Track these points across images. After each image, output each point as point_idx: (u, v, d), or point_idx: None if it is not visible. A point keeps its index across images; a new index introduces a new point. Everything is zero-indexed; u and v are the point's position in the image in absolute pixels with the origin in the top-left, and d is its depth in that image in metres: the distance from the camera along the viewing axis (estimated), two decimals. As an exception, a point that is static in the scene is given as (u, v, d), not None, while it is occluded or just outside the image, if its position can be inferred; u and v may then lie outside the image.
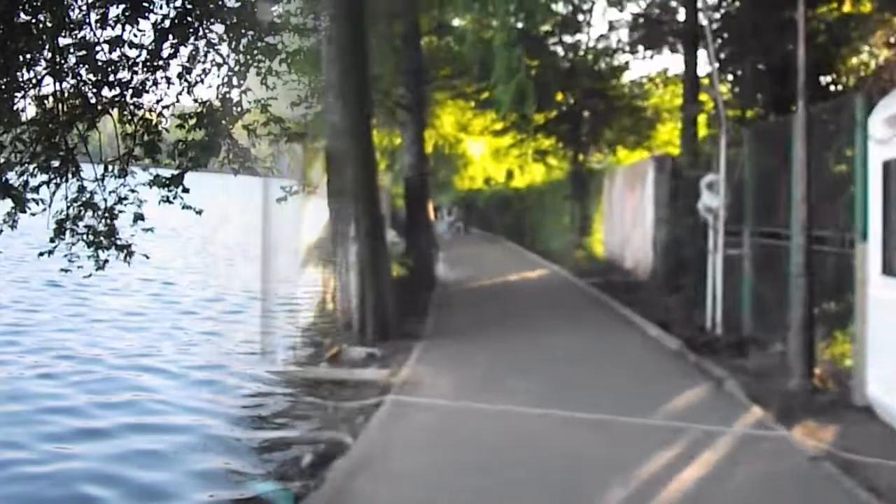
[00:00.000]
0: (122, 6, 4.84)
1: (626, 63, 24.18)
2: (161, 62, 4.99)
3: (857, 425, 5.74)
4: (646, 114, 25.41)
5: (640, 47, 19.84)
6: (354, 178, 8.76)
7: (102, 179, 5.26)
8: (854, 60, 12.25)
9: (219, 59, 5.05)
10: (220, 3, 4.93)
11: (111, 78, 4.95)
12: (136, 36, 4.93)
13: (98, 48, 4.91)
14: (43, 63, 4.92)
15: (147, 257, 5.74)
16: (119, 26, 4.87)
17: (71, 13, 4.91)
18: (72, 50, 4.92)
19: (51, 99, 5.03)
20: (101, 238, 5.27)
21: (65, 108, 5.07)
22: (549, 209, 27.84)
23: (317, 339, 9.55)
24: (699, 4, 13.85)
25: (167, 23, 4.91)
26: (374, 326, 8.79)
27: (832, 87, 12.04)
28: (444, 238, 35.84)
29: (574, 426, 5.90)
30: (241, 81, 5.07)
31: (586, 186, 22.99)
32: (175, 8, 4.93)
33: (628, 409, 6.29)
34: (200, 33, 4.97)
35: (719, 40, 13.55)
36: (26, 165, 5.02)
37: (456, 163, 36.58)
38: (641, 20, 19.50)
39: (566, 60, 23.90)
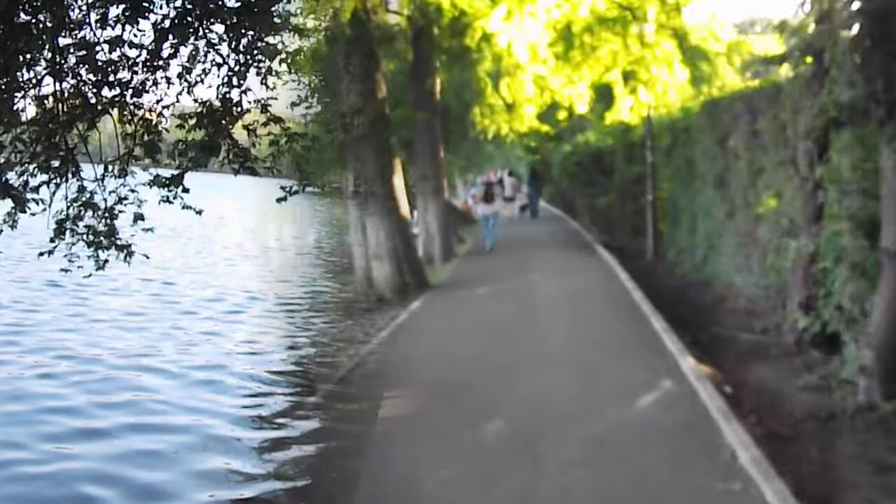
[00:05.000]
0: (122, 6, 4.83)
1: None
2: (161, 62, 4.98)
3: None
4: None
5: None
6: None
7: (102, 179, 5.26)
8: None
9: (219, 59, 5.04)
10: (220, 3, 4.92)
11: (111, 78, 4.94)
12: (136, 36, 4.92)
13: (98, 48, 4.90)
14: (43, 63, 4.91)
15: (147, 257, 5.74)
16: (119, 26, 4.86)
17: (71, 13, 4.90)
18: (72, 50, 4.92)
19: (51, 99, 5.03)
20: (101, 238, 5.27)
21: (65, 108, 5.06)
22: (708, 180, 11.87)
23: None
24: None
25: (167, 23, 4.90)
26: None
27: None
28: (476, 241, 19.01)
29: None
30: (241, 81, 5.06)
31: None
32: (175, 8, 4.92)
33: None
34: (200, 33, 4.97)
35: None
36: (26, 165, 5.02)
37: (476, 75, 16.56)
38: None
39: None
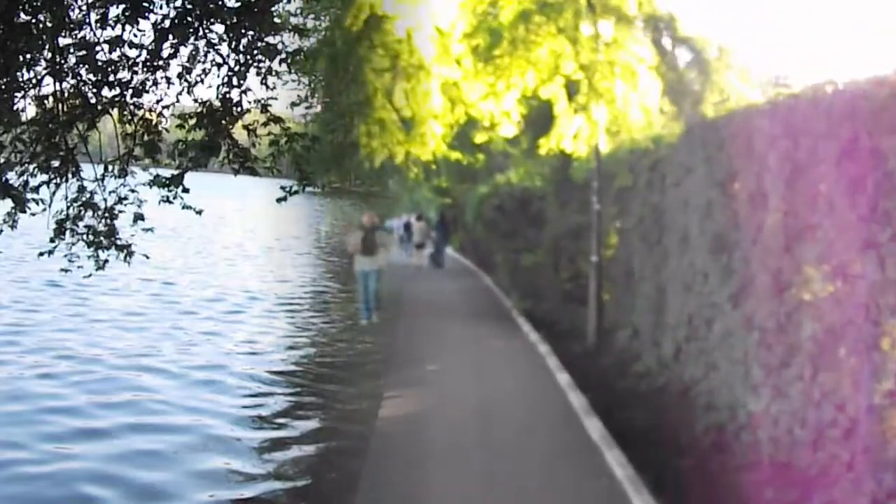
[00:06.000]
0: (122, 6, 4.83)
1: None
2: (161, 62, 4.98)
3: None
4: None
5: None
6: None
7: (102, 179, 5.26)
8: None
9: (219, 59, 5.04)
10: (220, 3, 4.92)
11: (111, 78, 4.94)
12: (136, 36, 4.92)
13: (98, 48, 4.90)
14: (43, 63, 4.91)
15: (147, 257, 5.75)
16: (119, 26, 4.87)
17: (71, 13, 4.91)
18: (72, 50, 4.92)
19: (51, 99, 5.03)
20: (101, 238, 5.27)
21: (65, 108, 5.06)
22: (693, 239, 8.30)
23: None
24: None
25: (167, 23, 4.90)
26: None
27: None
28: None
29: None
30: (241, 81, 5.06)
31: None
32: (175, 8, 4.92)
33: None
34: (200, 33, 4.97)
35: None
36: (26, 165, 5.03)
37: (362, 78, 11.28)
38: None
39: None
